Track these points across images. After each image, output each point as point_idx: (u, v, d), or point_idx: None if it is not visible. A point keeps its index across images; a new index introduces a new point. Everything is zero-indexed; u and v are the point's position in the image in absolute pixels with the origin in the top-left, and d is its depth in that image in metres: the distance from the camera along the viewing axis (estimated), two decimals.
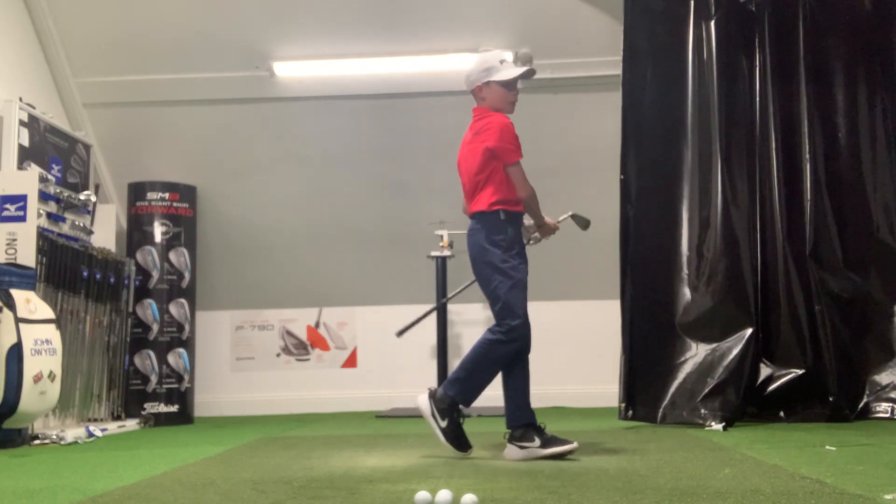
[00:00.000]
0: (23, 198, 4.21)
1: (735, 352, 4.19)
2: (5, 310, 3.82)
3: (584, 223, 3.69)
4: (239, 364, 6.14)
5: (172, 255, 5.50)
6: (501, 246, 3.20)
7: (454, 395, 3.21)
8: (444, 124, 5.27)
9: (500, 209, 3.20)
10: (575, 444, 3.04)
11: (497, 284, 3.19)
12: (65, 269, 4.49)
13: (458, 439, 3.21)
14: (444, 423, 3.19)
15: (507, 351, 3.18)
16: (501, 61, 3.29)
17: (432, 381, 5.48)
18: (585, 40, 5.38)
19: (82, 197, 4.92)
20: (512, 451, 3.12)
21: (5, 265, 4.00)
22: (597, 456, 3.09)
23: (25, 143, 4.61)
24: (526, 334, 3.20)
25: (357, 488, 2.41)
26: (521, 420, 3.15)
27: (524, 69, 3.29)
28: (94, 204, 5.10)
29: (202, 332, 5.83)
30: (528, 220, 3.43)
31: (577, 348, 5.88)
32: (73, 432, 4.18)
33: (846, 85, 4.50)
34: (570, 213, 3.67)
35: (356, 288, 6.07)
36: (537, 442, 3.07)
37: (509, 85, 3.28)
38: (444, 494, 2.02)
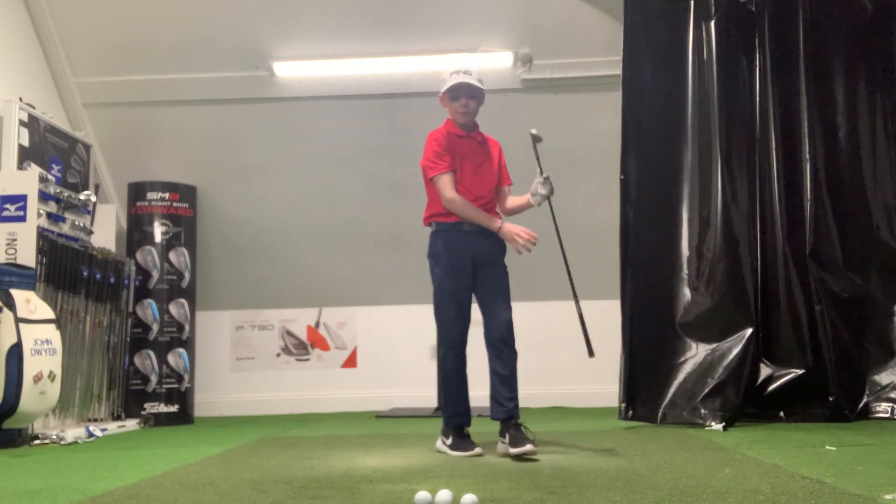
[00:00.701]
0: (23, 198, 4.21)
1: (735, 352, 4.19)
2: (5, 310, 3.82)
3: (537, 137, 3.43)
4: (239, 364, 6.14)
5: (172, 255, 5.50)
6: (431, 256, 3.44)
7: (447, 419, 3.38)
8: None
9: (432, 222, 3.43)
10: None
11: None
12: (65, 269, 4.49)
13: (461, 445, 3.30)
14: (449, 441, 3.34)
15: (447, 359, 3.36)
16: (451, 73, 3.38)
17: (432, 381, 5.48)
18: (585, 40, 5.37)
19: (82, 197, 4.92)
20: (499, 446, 3.24)
21: (5, 265, 4.00)
22: (597, 456, 3.09)
23: (25, 143, 4.61)
24: (455, 342, 3.33)
25: (357, 488, 2.41)
26: (495, 415, 3.24)
27: (451, 84, 3.33)
28: (94, 204, 5.09)
29: (202, 332, 5.83)
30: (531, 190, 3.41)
31: (577, 348, 5.83)
32: (73, 432, 4.18)
33: (846, 85, 4.50)
34: (531, 133, 3.43)
35: (356, 288, 6.06)
36: (506, 437, 3.16)
37: (451, 97, 3.38)
38: (444, 494, 2.03)
